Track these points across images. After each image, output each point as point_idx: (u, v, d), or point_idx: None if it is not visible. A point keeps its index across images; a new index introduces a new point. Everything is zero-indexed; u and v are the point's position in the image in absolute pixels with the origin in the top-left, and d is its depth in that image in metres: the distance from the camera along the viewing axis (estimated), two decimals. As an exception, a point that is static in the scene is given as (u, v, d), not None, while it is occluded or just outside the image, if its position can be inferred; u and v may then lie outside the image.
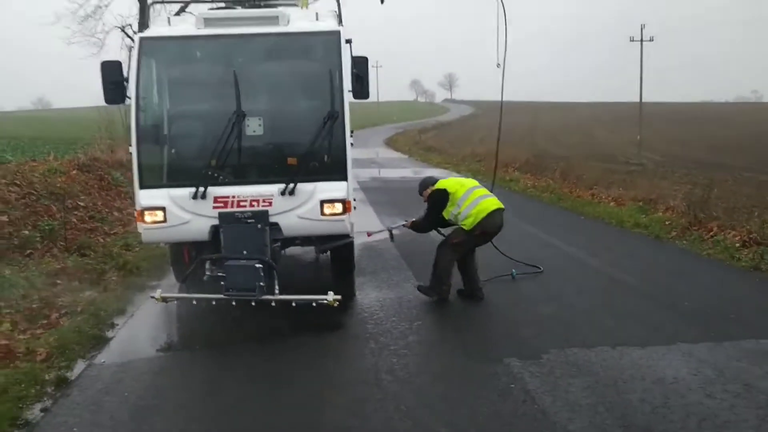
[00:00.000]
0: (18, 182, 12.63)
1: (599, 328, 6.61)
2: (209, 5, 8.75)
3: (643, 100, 50.35)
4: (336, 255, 8.74)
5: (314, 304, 6.85)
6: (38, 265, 9.28)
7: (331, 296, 6.78)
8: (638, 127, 47.62)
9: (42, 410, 5.17)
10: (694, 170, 29.08)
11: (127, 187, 16.24)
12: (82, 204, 13.60)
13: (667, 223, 12.02)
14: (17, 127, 36.61)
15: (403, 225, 8.57)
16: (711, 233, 10.74)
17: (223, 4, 8.64)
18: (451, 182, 8.03)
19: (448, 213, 7.87)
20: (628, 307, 7.45)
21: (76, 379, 5.80)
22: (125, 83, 7.24)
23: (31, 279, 8.64)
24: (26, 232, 10.49)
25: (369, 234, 9.01)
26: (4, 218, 10.42)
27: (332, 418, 4.90)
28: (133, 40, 19.81)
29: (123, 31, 19.77)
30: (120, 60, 7.50)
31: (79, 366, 6.12)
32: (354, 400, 5.16)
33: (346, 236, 7.93)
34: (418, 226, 8.34)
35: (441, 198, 7.87)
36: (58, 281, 8.80)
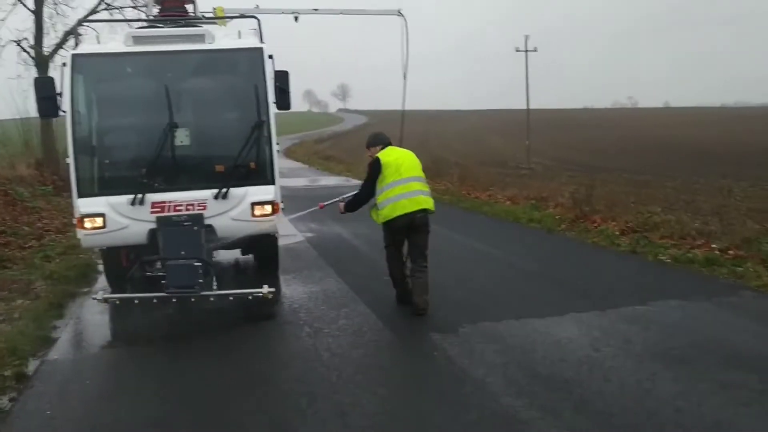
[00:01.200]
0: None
1: (504, 306, 7.59)
2: (137, 24, 9.21)
3: (530, 108, 53.05)
4: (261, 255, 9.43)
5: (250, 297, 7.48)
6: (-38, 278, 9.42)
7: (266, 289, 7.43)
8: (526, 134, 50.18)
9: (10, 400, 5.59)
10: (579, 172, 31.28)
11: (33, 202, 16.19)
12: (-13, 220, 13.55)
13: (557, 217, 13.34)
14: None
15: (344, 198, 8.20)
16: (595, 224, 12.08)
17: (145, 24, 9.16)
18: (392, 160, 7.46)
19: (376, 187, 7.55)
20: (527, 288, 8.52)
21: (35, 374, 6.21)
22: (58, 98, 7.68)
23: (-41, 290, 8.82)
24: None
25: (321, 206, 8.65)
26: None
27: (284, 388, 5.59)
28: (29, 54, 19.66)
29: (19, 45, 19.50)
30: (52, 76, 7.92)
31: (33, 363, 6.49)
32: (300, 372, 5.88)
33: (273, 236, 8.65)
34: (350, 203, 7.95)
35: (372, 172, 7.57)
36: (-14, 292, 9.01)
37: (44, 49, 19.97)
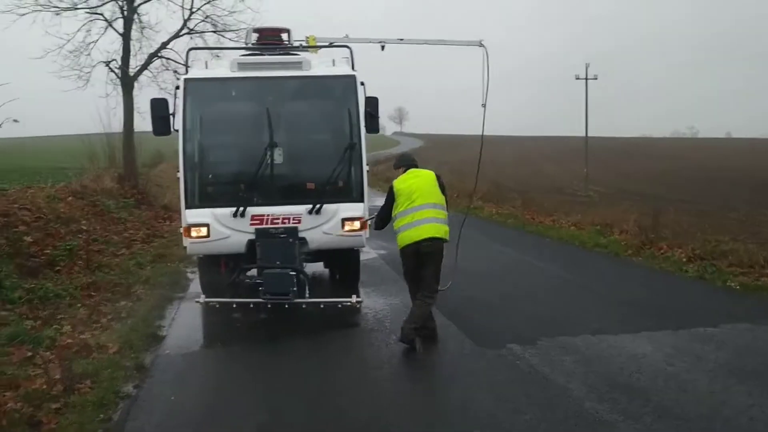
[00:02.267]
0: (28, 207, 13.51)
1: (578, 322, 7.99)
2: (240, 52, 9.98)
3: (588, 135, 52.85)
4: (344, 268, 10.06)
5: (339, 306, 8.09)
6: (70, 280, 10.26)
7: (354, 298, 8.05)
8: (584, 161, 50.01)
9: (134, 387, 6.27)
10: (638, 202, 31.22)
11: (118, 213, 17.19)
12: (84, 228, 14.52)
13: (623, 243, 13.65)
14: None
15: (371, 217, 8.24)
16: (661, 251, 12.37)
17: (246, 52, 9.94)
18: (405, 187, 7.37)
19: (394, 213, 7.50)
20: (599, 307, 8.92)
21: (152, 366, 6.91)
22: (171, 117, 8.49)
23: (70, 291, 9.65)
24: (48, 251, 11.42)
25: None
26: (29, 239, 11.35)
27: (383, 386, 6.15)
28: (116, 74, 20.85)
29: (107, 65, 20.75)
30: (166, 98, 8.74)
31: (149, 356, 7.21)
32: (394, 374, 6.43)
33: (356, 251, 9.29)
34: (375, 223, 7.98)
35: (388, 197, 7.58)
36: (92, 293, 9.83)
37: (130, 69, 21.16)
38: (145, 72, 21.55)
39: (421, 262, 7.33)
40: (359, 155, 8.60)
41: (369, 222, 8.74)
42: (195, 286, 10.14)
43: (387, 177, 44.35)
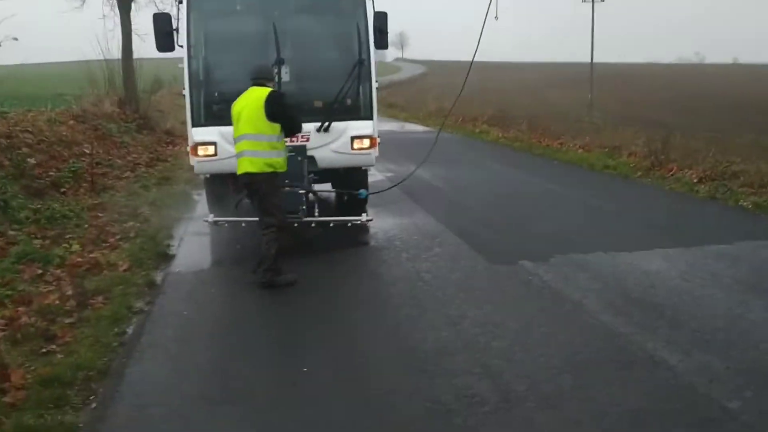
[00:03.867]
0: (30, 129, 13.33)
1: (590, 240, 7.92)
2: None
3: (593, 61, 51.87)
4: (353, 188, 9.94)
5: (349, 225, 8.02)
6: (76, 201, 10.19)
7: (365, 217, 7.97)
8: (588, 88, 49.27)
9: (147, 303, 6.26)
10: (644, 127, 30.86)
11: (120, 137, 17.00)
12: (87, 151, 14.36)
13: (632, 165, 13.50)
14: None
15: None
16: (671, 172, 12.23)
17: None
18: (235, 112, 6.68)
19: None
20: (611, 225, 8.89)
21: (163, 283, 6.90)
22: (174, 33, 8.21)
23: (77, 212, 9.58)
24: (52, 173, 11.31)
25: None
26: (33, 161, 11.22)
27: (395, 302, 6.13)
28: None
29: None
30: (169, 13, 8.45)
31: (159, 274, 7.19)
32: (407, 290, 6.40)
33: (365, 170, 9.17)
34: None
35: None
36: (99, 214, 9.76)
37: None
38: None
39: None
40: (368, 72, 8.36)
41: (378, 140, 8.60)
42: (202, 207, 10.03)
43: (389, 103, 44.01)
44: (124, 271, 7.14)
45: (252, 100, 6.58)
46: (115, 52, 21.06)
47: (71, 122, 16.27)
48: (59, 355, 4.99)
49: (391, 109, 38.32)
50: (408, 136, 22.62)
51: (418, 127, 26.08)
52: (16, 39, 10.26)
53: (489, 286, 6.46)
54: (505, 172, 14.15)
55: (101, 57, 20.31)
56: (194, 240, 8.74)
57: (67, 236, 8.44)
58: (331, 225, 8.06)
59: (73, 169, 11.71)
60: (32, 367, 4.79)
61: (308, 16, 8.75)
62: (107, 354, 5.07)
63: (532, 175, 13.48)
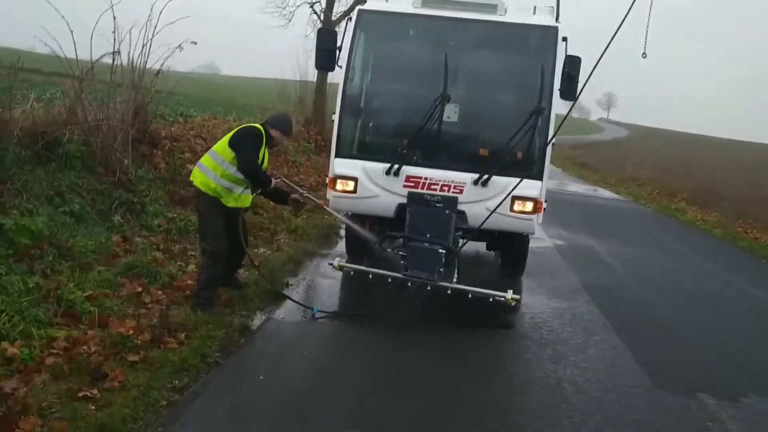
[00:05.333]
0: (203, 136, 13.29)
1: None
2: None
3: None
4: (508, 254, 8.61)
5: (491, 300, 6.68)
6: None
7: (509, 294, 6.58)
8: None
9: (228, 353, 5.33)
10: None
11: (294, 156, 16.81)
12: (256, 165, 14.16)
13: None
14: (194, 89, 38.47)
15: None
16: None
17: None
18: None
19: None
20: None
21: (258, 330, 5.98)
22: (338, 52, 7.37)
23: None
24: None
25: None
26: (191, 167, 10.95)
27: (519, 419, 4.73)
28: (319, 17, 20.45)
29: (312, 7, 20.40)
30: (336, 30, 7.66)
31: (258, 318, 6.29)
32: (539, 403, 4.98)
33: (526, 237, 7.84)
34: None
35: None
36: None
37: (333, 14, 20.68)
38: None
39: None
40: (546, 123, 7.05)
41: (545, 206, 7.25)
42: (343, 245, 9.14)
43: (582, 162, 41.72)
44: (223, 304, 6.32)
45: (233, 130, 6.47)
46: (311, 75, 21.27)
47: (251, 135, 16.34)
48: (92, 406, 4.13)
49: (582, 169, 36.22)
50: (592, 201, 20.75)
51: (606, 193, 23.96)
52: (194, 43, 9.97)
53: (648, 421, 4.85)
54: (698, 263, 11.95)
55: (297, 76, 20.60)
56: (317, 282, 7.83)
57: (190, 253, 7.84)
58: (470, 296, 6.75)
59: (229, 181, 11.35)
60: (55, 414, 3.97)
61: (487, 51, 7.60)
62: (146, 415, 4.14)
63: (733, 273, 11.23)
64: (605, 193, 24.13)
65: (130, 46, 9.26)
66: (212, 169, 6.20)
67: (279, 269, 7.81)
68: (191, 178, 6.47)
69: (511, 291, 6.60)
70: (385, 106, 7.66)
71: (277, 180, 6.98)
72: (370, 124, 7.52)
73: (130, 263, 6.84)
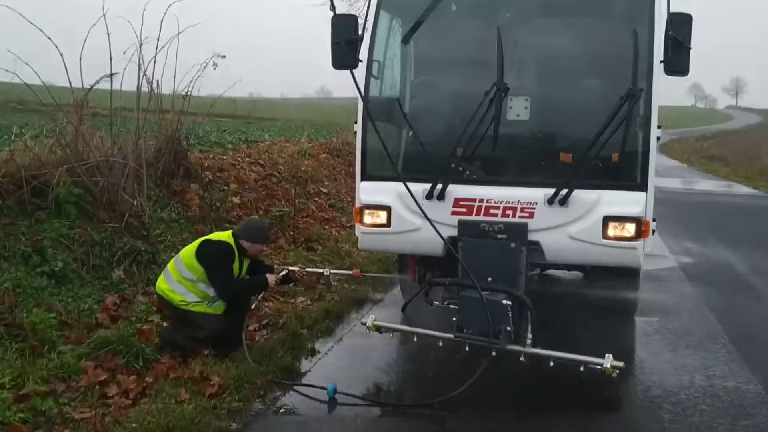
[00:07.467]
0: (262, 162, 11.90)
1: None
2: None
3: None
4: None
5: (582, 369, 4.62)
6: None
7: (609, 361, 4.48)
8: None
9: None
10: None
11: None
12: (324, 190, 12.68)
13: None
14: (299, 113, 38.06)
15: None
16: None
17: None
18: None
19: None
20: None
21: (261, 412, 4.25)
22: (359, 44, 5.53)
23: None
24: (253, 215, 9.49)
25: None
26: (236, 200, 9.53)
27: None
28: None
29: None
30: (356, 15, 5.87)
31: (254, 408, 4.63)
32: None
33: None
34: None
35: None
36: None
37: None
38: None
39: None
40: (646, 112, 4.99)
41: (654, 227, 5.16)
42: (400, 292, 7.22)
43: (710, 155, 37.67)
44: (210, 396, 4.65)
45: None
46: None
47: (323, 155, 14.90)
48: None
49: (711, 163, 32.55)
50: (726, 199, 17.82)
51: (742, 189, 20.80)
52: (223, 57, 8.65)
53: None
54: None
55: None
56: (352, 345, 5.98)
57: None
58: (552, 364, 4.73)
59: (280, 213, 9.85)
60: None
61: (556, 21, 5.61)
62: None
63: None
64: (741, 188, 20.95)
65: (154, 68, 7.97)
66: (178, 281, 5.53)
67: (311, 326, 6.12)
68: (156, 284, 5.72)
69: (611, 356, 4.51)
70: (423, 108, 5.84)
71: (283, 273, 6.10)
72: (405, 133, 5.67)
73: (104, 338, 5.31)
